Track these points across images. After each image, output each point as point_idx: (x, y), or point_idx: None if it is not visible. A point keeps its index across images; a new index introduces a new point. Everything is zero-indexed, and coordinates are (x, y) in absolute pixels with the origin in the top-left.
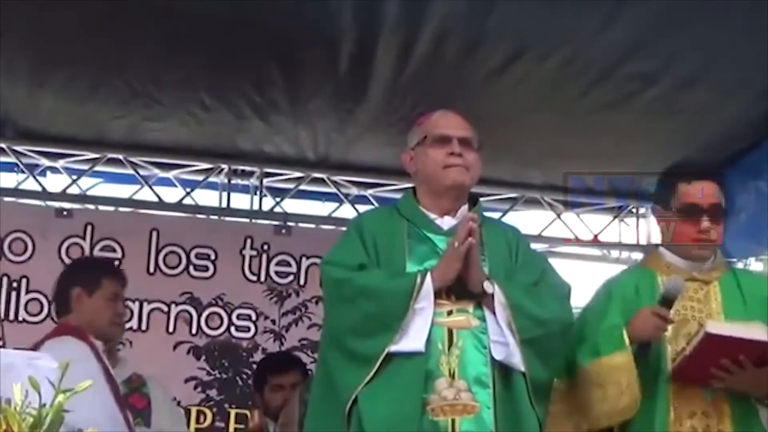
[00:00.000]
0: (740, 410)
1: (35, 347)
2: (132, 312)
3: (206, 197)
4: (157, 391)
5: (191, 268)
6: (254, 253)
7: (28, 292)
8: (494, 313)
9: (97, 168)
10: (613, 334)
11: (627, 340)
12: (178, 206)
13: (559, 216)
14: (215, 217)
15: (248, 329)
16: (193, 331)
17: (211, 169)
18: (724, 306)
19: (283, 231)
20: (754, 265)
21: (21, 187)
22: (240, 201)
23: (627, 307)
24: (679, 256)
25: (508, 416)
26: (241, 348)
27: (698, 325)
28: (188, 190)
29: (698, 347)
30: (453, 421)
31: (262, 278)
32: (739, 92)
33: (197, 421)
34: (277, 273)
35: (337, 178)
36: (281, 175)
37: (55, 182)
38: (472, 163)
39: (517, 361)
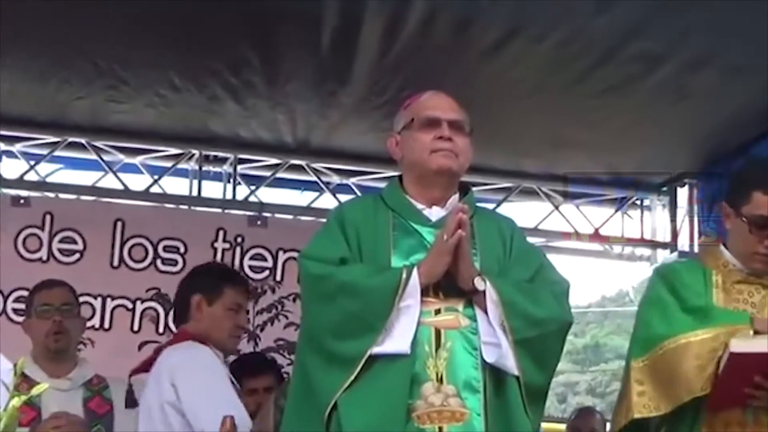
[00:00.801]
0: None
1: (156, 353)
2: (94, 309)
3: (175, 185)
4: (120, 395)
5: (158, 261)
6: (227, 245)
7: None
8: (486, 311)
9: (57, 153)
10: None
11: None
12: (145, 195)
13: (557, 208)
14: (185, 207)
15: None
16: (161, 330)
17: (180, 154)
18: None
19: (259, 222)
20: None
21: None
22: (212, 189)
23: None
24: (738, 259)
25: (500, 424)
26: None
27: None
28: (156, 177)
29: (726, 370)
30: (440, 429)
31: None
32: (750, 76)
33: None
34: (251, 267)
35: (317, 166)
36: (257, 161)
37: (11, 168)
38: (462, 149)
39: (511, 364)
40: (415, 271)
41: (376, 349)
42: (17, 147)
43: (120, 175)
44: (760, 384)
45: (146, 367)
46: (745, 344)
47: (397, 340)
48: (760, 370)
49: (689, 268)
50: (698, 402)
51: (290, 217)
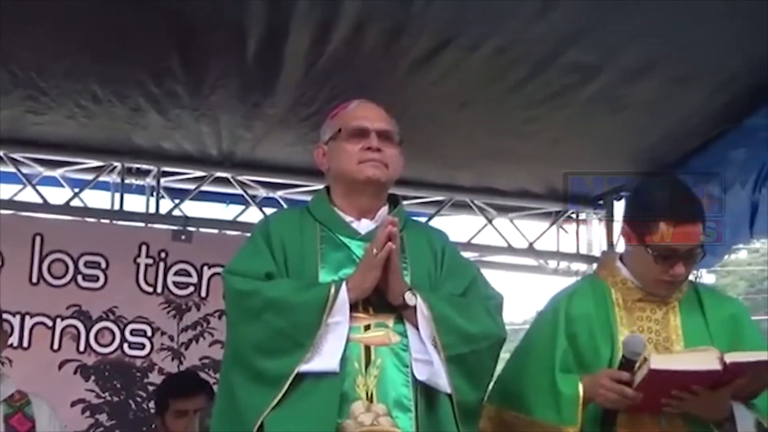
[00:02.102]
0: None
1: None
2: (12, 327)
3: (96, 198)
4: (42, 412)
5: (79, 277)
6: (150, 261)
7: None
8: (417, 327)
9: None
10: (564, 402)
11: (579, 414)
12: (65, 208)
13: (490, 221)
14: (106, 221)
15: (143, 346)
16: (81, 348)
17: (102, 167)
18: (684, 330)
19: (183, 237)
20: (706, 277)
21: None
22: (134, 203)
23: (578, 329)
24: (638, 280)
25: None
26: (134, 367)
27: (654, 350)
28: (76, 190)
29: (644, 382)
30: None
31: (159, 289)
32: (690, 87)
33: None
34: (175, 284)
35: (242, 178)
36: (181, 174)
37: None
38: (391, 159)
39: (443, 382)
40: (343, 286)
41: (304, 367)
42: None
43: (39, 188)
44: (677, 396)
45: None
46: (665, 361)
47: (325, 357)
48: (678, 385)
49: (589, 290)
50: (610, 421)
51: (215, 231)
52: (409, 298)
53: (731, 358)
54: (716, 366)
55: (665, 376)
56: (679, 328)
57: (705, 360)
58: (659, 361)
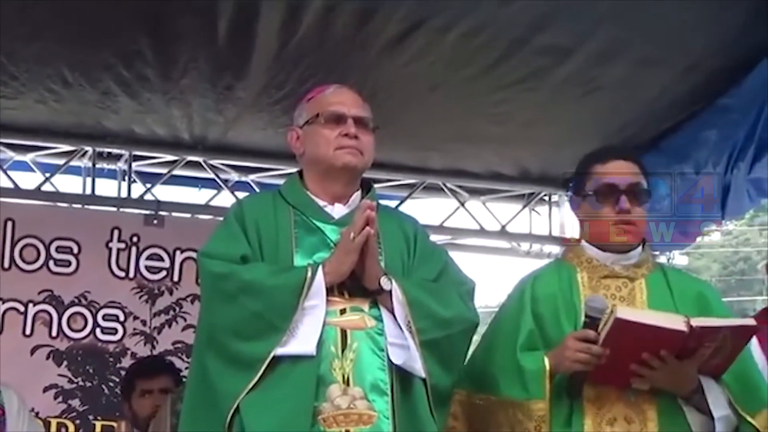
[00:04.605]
0: (666, 413)
1: None
2: None
3: (68, 183)
4: (12, 401)
5: (51, 262)
6: (122, 245)
7: None
8: (392, 312)
9: None
10: (529, 377)
11: (546, 386)
12: (36, 193)
13: (462, 204)
14: (78, 206)
15: (115, 331)
16: (54, 333)
17: (73, 151)
18: (650, 306)
19: (155, 221)
20: (678, 258)
21: None
22: (106, 187)
23: (543, 309)
24: (601, 249)
25: (408, 426)
26: (107, 352)
27: None
28: (48, 175)
29: (609, 334)
30: None
31: (131, 274)
32: (660, 68)
33: None
34: (147, 268)
35: (214, 162)
36: (152, 158)
37: None
38: (366, 146)
39: (418, 366)
40: (320, 270)
41: (280, 350)
42: None
43: (10, 173)
44: (646, 362)
45: None
46: (631, 312)
47: (301, 340)
48: (645, 345)
49: (555, 272)
50: (577, 388)
51: (187, 215)
52: (385, 282)
53: (697, 322)
54: (682, 327)
55: (631, 330)
56: (645, 305)
57: (672, 320)
58: (626, 312)
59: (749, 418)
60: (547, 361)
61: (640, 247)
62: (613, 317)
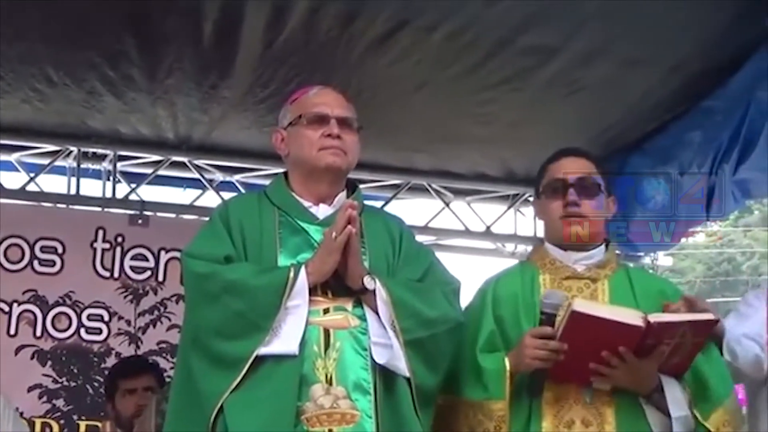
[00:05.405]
0: (624, 414)
1: None
2: None
3: (52, 183)
4: None
5: (36, 262)
6: (107, 245)
7: None
8: (376, 311)
9: None
10: (489, 377)
11: (507, 386)
12: (21, 193)
13: (447, 205)
14: (63, 206)
15: (100, 331)
16: (38, 333)
17: (58, 151)
18: (612, 303)
19: (140, 221)
20: (662, 259)
21: None
22: (91, 187)
23: (503, 310)
24: (561, 248)
25: (391, 425)
26: (91, 352)
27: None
28: (32, 175)
29: (566, 328)
30: (330, 431)
31: (116, 274)
32: (646, 68)
33: None
34: (132, 268)
35: (199, 162)
36: (137, 158)
37: None
38: (350, 146)
39: (402, 365)
40: (303, 270)
41: (263, 350)
42: None
43: None
44: (606, 359)
45: None
46: (588, 306)
47: (284, 340)
48: (602, 341)
49: (518, 273)
50: (538, 387)
51: (172, 215)
52: (368, 282)
53: (655, 317)
54: (639, 322)
55: (588, 324)
56: (607, 303)
57: (629, 315)
58: (582, 305)
59: (702, 421)
60: (507, 361)
61: (602, 247)
62: (569, 310)
